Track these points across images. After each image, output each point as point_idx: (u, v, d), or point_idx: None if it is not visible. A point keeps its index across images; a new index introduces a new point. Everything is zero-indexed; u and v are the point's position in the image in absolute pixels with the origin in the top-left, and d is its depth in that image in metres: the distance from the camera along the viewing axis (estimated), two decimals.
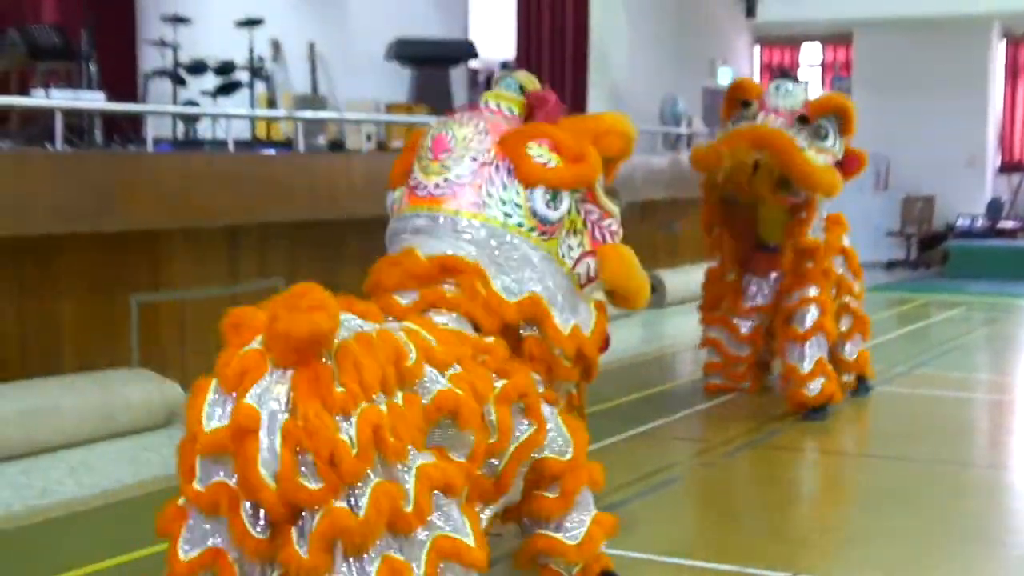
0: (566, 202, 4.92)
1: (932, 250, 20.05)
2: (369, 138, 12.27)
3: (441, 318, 4.68)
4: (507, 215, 4.87)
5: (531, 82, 5.23)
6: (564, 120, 5.10)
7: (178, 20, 14.63)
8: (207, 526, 3.96)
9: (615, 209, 5.13)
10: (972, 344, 12.70)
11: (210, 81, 15.03)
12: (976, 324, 13.94)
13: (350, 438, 3.81)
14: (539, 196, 4.88)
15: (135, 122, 12.56)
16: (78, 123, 10.72)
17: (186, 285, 9.54)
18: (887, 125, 20.53)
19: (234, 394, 3.91)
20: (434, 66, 16.50)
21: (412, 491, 3.97)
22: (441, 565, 4.04)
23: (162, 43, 14.74)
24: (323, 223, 10.52)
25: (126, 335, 9.08)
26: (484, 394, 4.40)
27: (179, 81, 14.67)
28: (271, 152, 11.82)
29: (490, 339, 4.67)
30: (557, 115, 5.11)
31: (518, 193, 4.88)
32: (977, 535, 6.26)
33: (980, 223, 20.11)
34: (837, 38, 22.57)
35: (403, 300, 4.82)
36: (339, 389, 3.87)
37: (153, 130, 9.84)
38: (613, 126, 5.13)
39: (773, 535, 6.16)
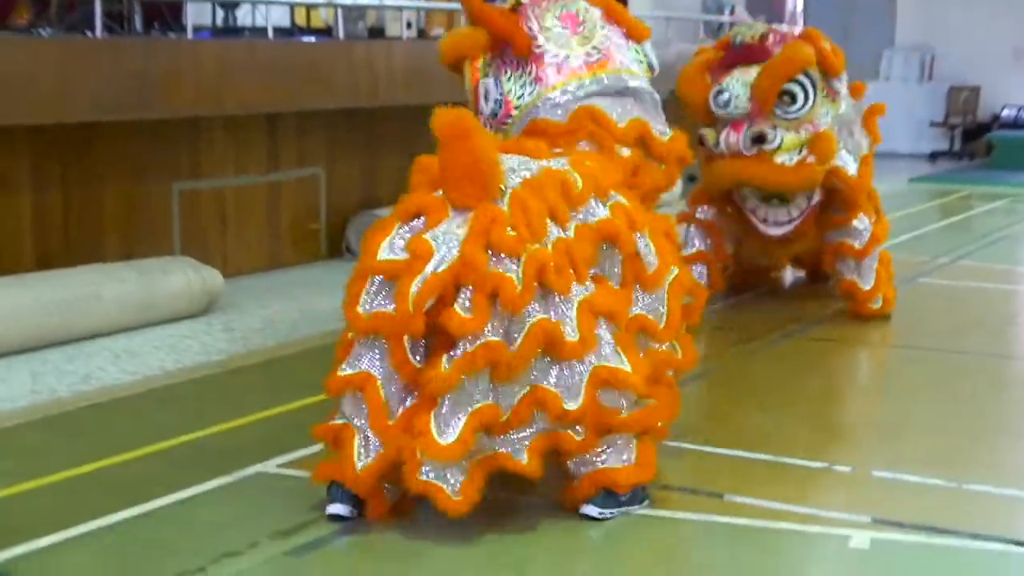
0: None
1: (976, 141, 19.84)
2: (409, 25, 12.16)
3: (584, 145, 5.27)
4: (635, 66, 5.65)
5: None
6: None
7: None
8: (363, 351, 4.55)
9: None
10: (1016, 236, 12.60)
11: None
12: (1019, 216, 13.82)
13: (517, 276, 4.35)
14: (649, 48, 5.75)
15: (175, 8, 12.49)
16: (118, 10, 10.67)
17: (226, 173, 9.56)
18: (932, 16, 20.26)
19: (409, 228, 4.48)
20: None
21: (576, 322, 4.49)
22: (600, 392, 4.54)
23: None
24: (362, 111, 10.49)
25: (168, 222, 9.12)
26: (640, 223, 4.93)
27: None
28: (311, 39, 11.75)
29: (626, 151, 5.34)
30: None
31: (636, 50, 5.68)
32: (1016, 428, 6.26)
33: None
34: None
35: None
36: (510, 232, 4.41)
37: (193, 17, 9.77)
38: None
39: (810, 426, 6.17)
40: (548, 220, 4.59)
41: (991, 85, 20.07)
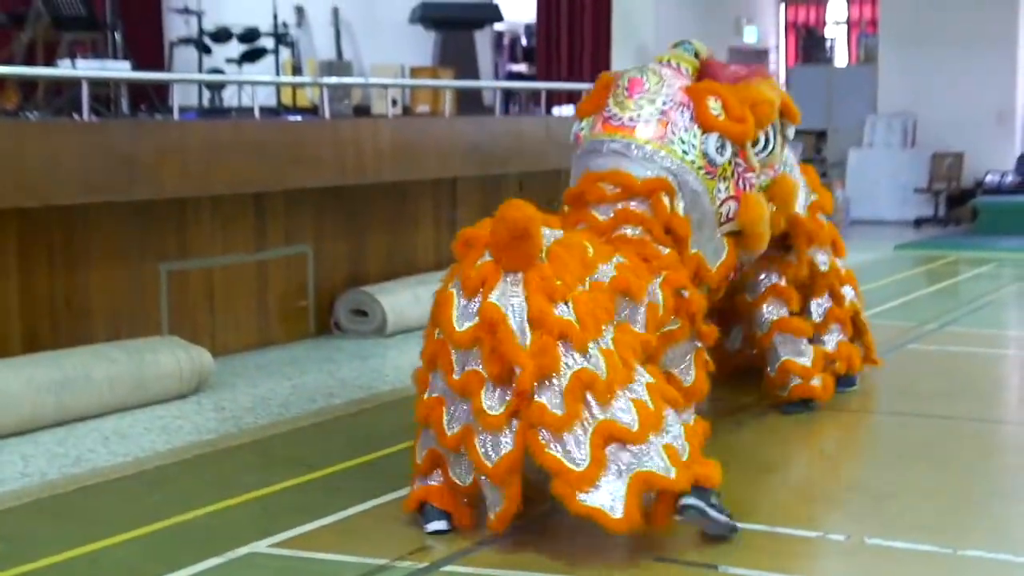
0: (728, 151, 6.24)
1: (961, 207, 19.93)
2: (395, 103, 12.26)
3: (629, 230, 5.93)
4: (684, 152, 6.13)
5: (704, 49, 6.60)
6: (727, 86, 6.37)
7: None
8: (464, 407, 5.13)
9: (756, 165, 6.45)
10: (1002, 300, 12.64)
11: (235, 48, 15.03)
12: (1006, 280, 13.87)
13: (573, 319, 5.05)
14: (712, 141, 6.18)
15: (161, 91, 12.57)
16: (104, 93, 10.74)
17: (214, 252, 9.58)
18: (915, 82, 20.40)
19: (478, 298, 5.11)
20: (459, 29, 16.47)
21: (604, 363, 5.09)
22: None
23: (186, 11, 14.74)
24: (349, 189, 10.53)
25: (156, 303, 9.13)
26: (645, 276, 5.60)
27: (204, 49, 14.68)
28: (297, 119, 11.82)
29: (666, 250, 5.92)
30: (724, 80, 6.44)
31: (695, 136, 6.17)
32: (1009, 493, 6.25)
33: (1009, 179, 19.94)
34: None
35: (600, 216, 6.03)
36: (558, 283, 5.10)
37: (179, 98, 9.84)
38: (766, 97, 6.48)
39: (802, 494, 6.16)
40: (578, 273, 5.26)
41: (974, 151, 20.19)
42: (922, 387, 8.47)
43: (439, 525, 5.40)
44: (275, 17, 14.91)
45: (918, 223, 19.71)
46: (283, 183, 9.77)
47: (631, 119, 6.17)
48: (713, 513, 5.13)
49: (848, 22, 23.41)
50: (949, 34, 20.15)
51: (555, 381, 4.98)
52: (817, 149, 21.00)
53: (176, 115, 9.65)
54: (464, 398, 5.12)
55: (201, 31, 14.58)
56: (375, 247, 10.95)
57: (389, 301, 10.37)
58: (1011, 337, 10.78)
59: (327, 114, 10.86)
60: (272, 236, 10.09)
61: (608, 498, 4.91)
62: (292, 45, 16.27)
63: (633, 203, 5.99)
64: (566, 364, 5.00)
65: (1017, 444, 7.34)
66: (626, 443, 4.97)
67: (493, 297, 5.07)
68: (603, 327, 5.18)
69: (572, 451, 4.93)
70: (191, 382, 8.32)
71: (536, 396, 4.96)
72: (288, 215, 10.20)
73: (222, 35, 14.82)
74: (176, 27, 15.59)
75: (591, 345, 5.07)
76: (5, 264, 8.14)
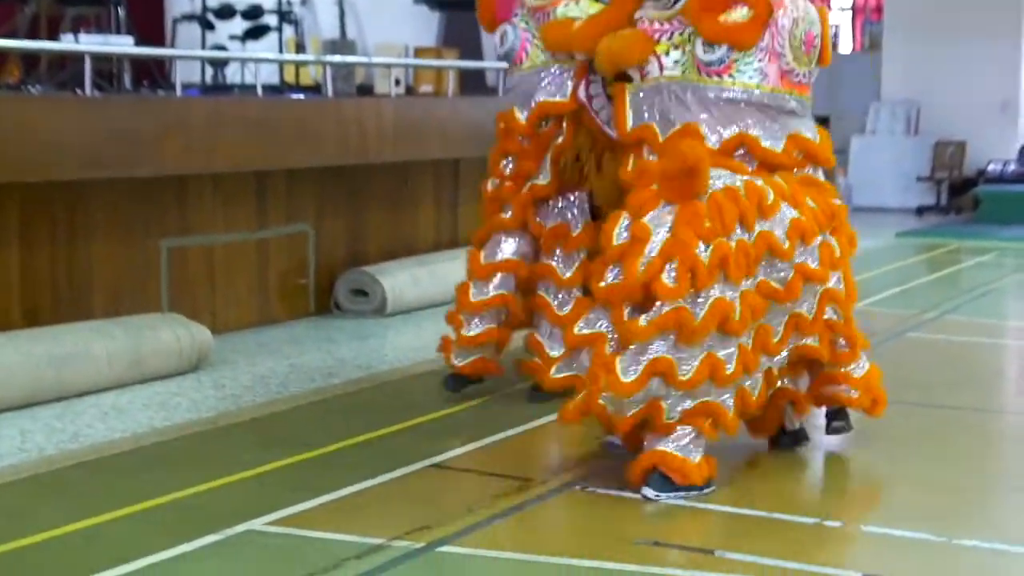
0: None
1: (963, 195, 19.91)
2: (398, 82, 12.26)
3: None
4: None
5: None
6: None
7: None
8: (598, 314, 5.72)
9: None
10: (1003, 290, 12.64)
11: (238, 25, 15.02)
12: (1007, 270, 13.86)
13: (705, 260, 5.43)
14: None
15: (164, 67, 12.56)
16: (107, 68, 10.73)
17: (215, 230, 9.57)
18: (919, 69, 20.35)
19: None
20: (463, 9, 16.41)
21: (738, 308, 5.55)
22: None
23: None
24: (351, 168, 10.52)
25: (156, 280, 9.12)
26: (822, 223, 5.91)
27: (207, 25, 14.67)
28: (299, 97, 11.81)
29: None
30: None
31: None
32: (1007, 483, 6.25)
33: (1012, 168, 19.92)
34: None
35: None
36: (707, 224, 5.48)
37: (182, 75, 9.85)
38: None
39: (802, 482, 6.16)
40: (737, 222, 5.56)
41: (977, 139, 20.16)
42: (921, 376, 8.46)
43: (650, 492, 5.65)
44: None
45: (920, 211, 19.70)
46: (285, 161, 9.77)
47: (806, 75, 6.07)
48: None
49: (853, 8, 23.36)
50: (954, 22, 20.10)
51: (663, 305, 5.46)
52: None
53: (179, 91, 9.65)
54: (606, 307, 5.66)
55: (205, 7, 14.57)
56: (375, 227, 10.94)
57: (389, 281, 10.37)
58: (1011, 327, 10.78)
59: (330, 93, 10.85)
60: (273, 214, 10.08)
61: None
62: (296, 23, 16.25)
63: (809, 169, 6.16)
64: (672, 300, 5.44)
65: (1016, 434, 7.33)
66: (667, 382, 5.51)
67: (647, 219, 5.55)
68: (730, 279, 5.53)
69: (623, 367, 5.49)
70: (190, 359, 8.31)
71: (628, 316, 5.52)
72: (289, 194, 10.19)
73: (226, 12, 14.81)
74: (179, 3, 15.58)
75: (708, 291, 5.48)
76: (6, 239, 8.13)
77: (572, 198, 7.19)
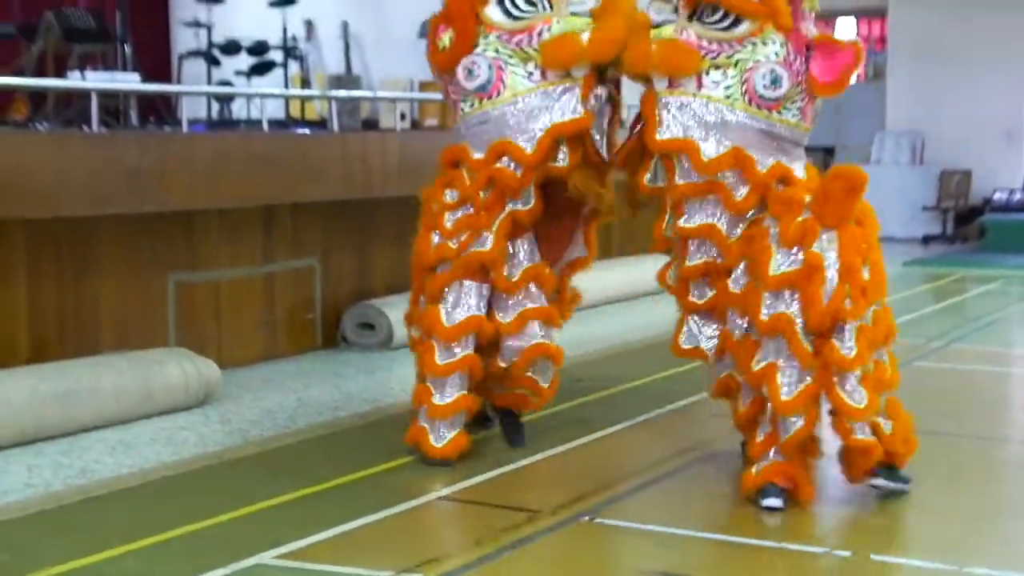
0: None
1: (968, 224, 19.92)
2: (403, 116, 12.29)
3: None
4: None
5: None
6: None
7: (212, 0, 14.66)
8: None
9: None
10: (1009, 318, 12.62)
11: (244, 61, 15.08)
12: (1013, 298, 13.86)
13: (867, 280, 5.82)
14: None
15: (170, 103, 12.61)
16: (114, 105, 10.78)
17: (221, 265, 9.59)
18: (923, 99, 20.40)
19: (795, 249, 5.79)
20: None
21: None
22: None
23: (196, 23, 14.79)
24: (357, 202, 10.54)
25: (163, 314, 9.13)
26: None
27: (213, 61, 14.73)
28: (305, 132, 11.85)
29: None
30: None
31: None
32: (1015, 510, 6.24)
33: (1017, 197, 19.94)
34: (872, 11, 22.41)
35: None
36: (864, 245, 5.83)
37: (188, 111, 9.89)
38: None
39: (811, 512, 6.14)
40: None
41: (982, 168, 20.18)
42: (928, 405, 8.44)
43: (775, 502, 5.89)
44: (284, 30, 14.98)
45: (926, 240, 19.70)
46: (291, 196, 9.79)
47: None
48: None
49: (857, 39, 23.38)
50: (958, 52, 20.16)
51: (848, 326, 5.73)
52: (825, 165, 20.96)
53: (185, 127, 9.68)
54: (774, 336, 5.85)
55: (211, 43, 14.63)
56: (382, 261, 10.95)
57: (396, 315, 10.36)
58: (1018, 355, 10.77)
59: (336, 127, 10.88)
60: (280, 249, 10.10)
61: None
62: (301, 58, 16.33)
63: None
64: (860, 317, 5.76)
65: (1023, 462, 7.31)
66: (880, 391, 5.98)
67: (815, 248, 5.74)
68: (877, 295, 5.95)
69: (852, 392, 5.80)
70: (198, 394, 8.32)
71: (833, 339, 5.74)
72: (296, 228, 10.21)
73: (231, 48, 14.88)
74: (185, 40, 15.66)
75: (873, 307, 5.89)
76: (13, 274, 8.15)
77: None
